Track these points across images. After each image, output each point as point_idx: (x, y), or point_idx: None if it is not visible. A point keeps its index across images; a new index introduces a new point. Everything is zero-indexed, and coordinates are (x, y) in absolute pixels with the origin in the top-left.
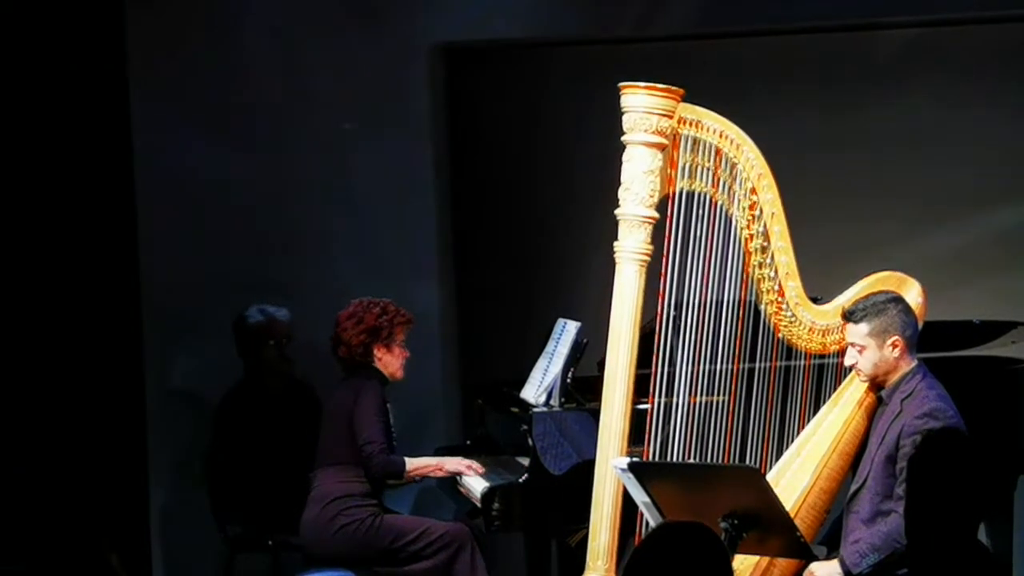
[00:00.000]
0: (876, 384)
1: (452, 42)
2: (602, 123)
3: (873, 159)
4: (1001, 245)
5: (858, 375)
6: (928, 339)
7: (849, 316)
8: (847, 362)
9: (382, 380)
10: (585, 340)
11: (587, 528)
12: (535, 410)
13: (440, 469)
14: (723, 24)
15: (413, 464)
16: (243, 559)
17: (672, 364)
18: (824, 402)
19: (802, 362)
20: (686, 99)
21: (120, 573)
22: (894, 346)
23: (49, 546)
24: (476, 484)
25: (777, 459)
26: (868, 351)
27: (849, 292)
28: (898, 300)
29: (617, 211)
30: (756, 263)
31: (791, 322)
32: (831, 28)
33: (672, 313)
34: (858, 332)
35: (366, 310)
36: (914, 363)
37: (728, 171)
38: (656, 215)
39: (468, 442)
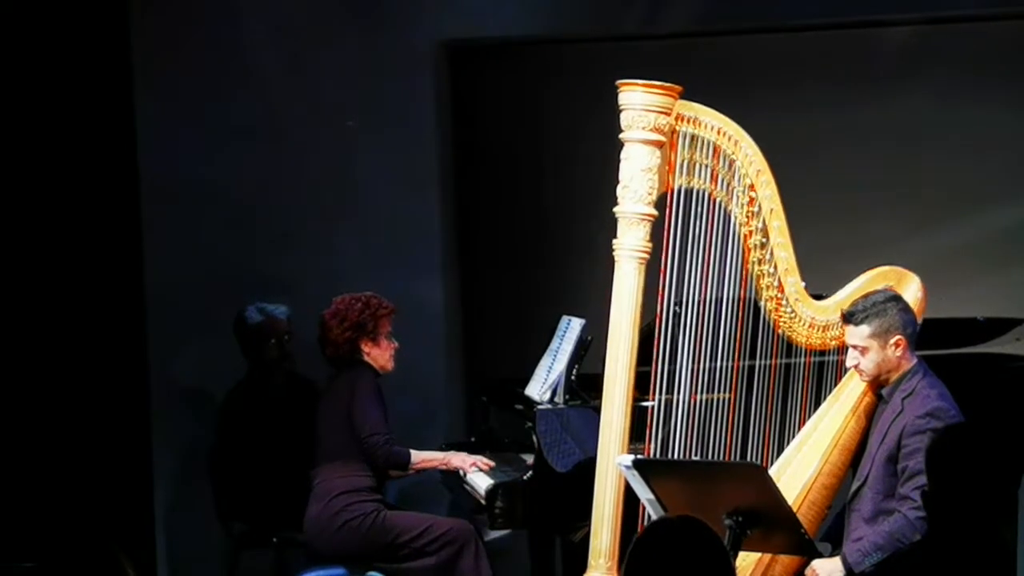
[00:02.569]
0: (877, 383)
1: (455, 39)
2: (605, 120)
3: (874, 156)
4: (1005, 242)
5: (860, 376)
6: (932, 336)
7: (849, 318)
8: (849, 363)
9: (374, 372)
10: (589, 337)
11: (590, 525)
12: (539, 407)
13: (446, 464)
14: (725, 22)
15: (419, 457)
16: (247, 556)
17: (673, 361)
18: (825, 398)
19: (802, 358)
20: (688, 96)
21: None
22: (896, 345)
23: (54, 544)
24: (480, 481)
25: (778, 455)
26: (871, 352)
27: (849, 287)
28: (897, 298)
29: (616, 209)
30: (755, 259)
31: (791, 318)
32: (832, 26)
33: (672, 310)
34: (860, 334)
35: (348, 307)
36: (914, 361)
37: (726, 168)
38: (655, 212)
39: (472, 439)
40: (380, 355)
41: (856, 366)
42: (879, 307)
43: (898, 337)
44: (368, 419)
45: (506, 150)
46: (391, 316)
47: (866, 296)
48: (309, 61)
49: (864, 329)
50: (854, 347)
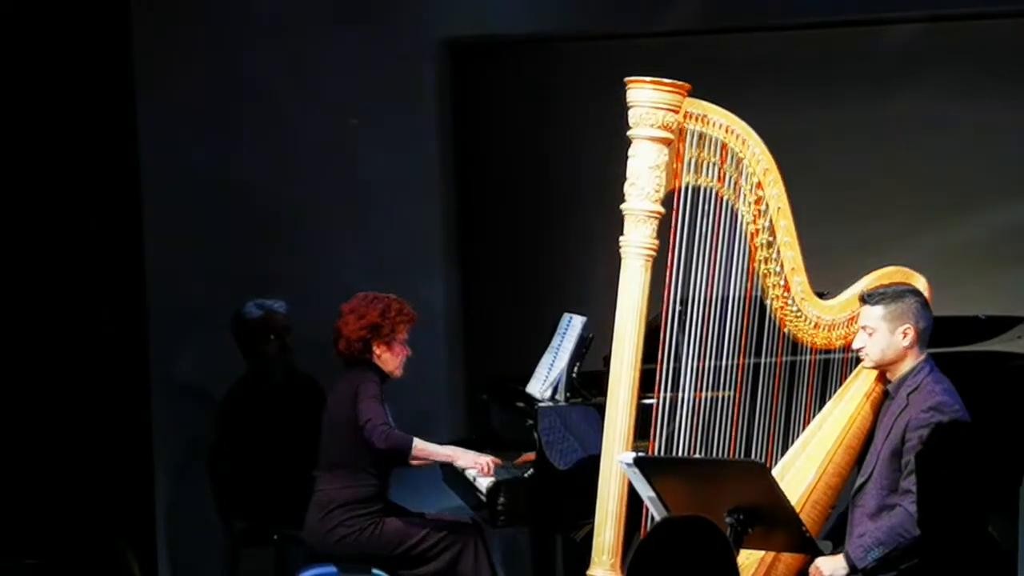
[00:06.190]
0: (881, 373)
1: (459, 37)
2: (608, 118)
3: (878, 154)
4: (1007, 240)
5: (863, 358)
6: (934, 334)
7: (867, 298)
8: (855, 345)
9: (380, 375)
10: (591, 334)
11: (593, 523)
12: (541, 405)
13: (451, 460)
14: (729, 19)
15: (421, 445)
16: (248, 553)
17: (678, 359)
18: (830, 397)
19: (808, 357)
20: (692, 94)
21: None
22: (905, 334)
23: (56, 541)
24: (482, 478)
25: (782, 454)
26: (878, 335)
27: (855, 287)
28: (917, 293)
29: (623, 206)
30: (762, 258)
31: (797, 317)
32: (836, 23)
33: (678, 308)
34: (873, 314)
35: (369, 305)
36: (922, 357)
37: (734, 166)
38: (662, 210)
39: (473, 436)
40: (391, 360)
41: (861, 348)
42: (898, 293)
43: (908, 326)
44: (365, 410)
45: (509, 148)
46: (411, 324)
47: (889, 284)
48: (311, 59)
49: (878, 310)
50: (863, 328)
